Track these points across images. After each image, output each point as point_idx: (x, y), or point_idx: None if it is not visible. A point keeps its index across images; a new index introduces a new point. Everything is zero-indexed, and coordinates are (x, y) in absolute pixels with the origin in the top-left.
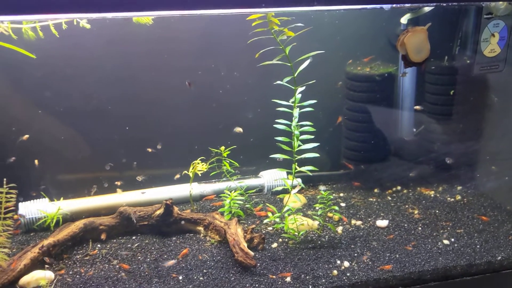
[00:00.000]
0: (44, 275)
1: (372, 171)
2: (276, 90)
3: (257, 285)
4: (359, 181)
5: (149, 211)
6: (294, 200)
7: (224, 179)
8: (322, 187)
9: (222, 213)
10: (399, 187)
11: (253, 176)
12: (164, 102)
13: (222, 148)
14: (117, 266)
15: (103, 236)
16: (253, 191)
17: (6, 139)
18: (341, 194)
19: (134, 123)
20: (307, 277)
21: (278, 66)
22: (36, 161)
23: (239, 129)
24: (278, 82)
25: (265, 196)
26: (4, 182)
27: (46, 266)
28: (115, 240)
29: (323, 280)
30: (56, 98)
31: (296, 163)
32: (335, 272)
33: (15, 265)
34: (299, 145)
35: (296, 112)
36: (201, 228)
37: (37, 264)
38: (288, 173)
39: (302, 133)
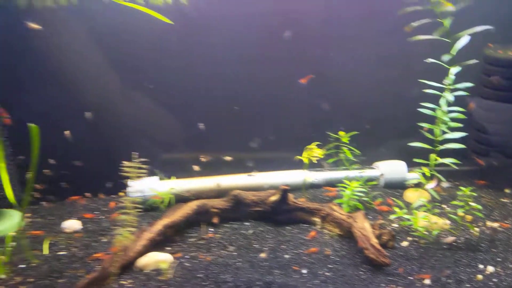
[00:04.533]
0: (164, 257)
1: (506, 169)
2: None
3: (394, 286)
4: (486, 180)
5: (262, 196)
6: (424, 196)
7: (340, 168)
8: (445, 184)
9: (339, 205)
10: None
11: (367, 167)
12: (278, 83)
13: (342, 133)
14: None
15: (215, 220)
16: (375, 182)
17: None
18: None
19: (244, 103)
20: (449, 280)
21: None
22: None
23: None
24: (430, 60)
25: (380, 188)
26: (135, 156)
27: (167, 248)
28: (227, 225)
29: (467, 285)
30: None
31: (436, 154)
32: (479, 276)
33: (133, 245)
34: (443, 133)
35: (449, 95)
36: (317, 219)
37: (154, 245)
38: (410, 166)
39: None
